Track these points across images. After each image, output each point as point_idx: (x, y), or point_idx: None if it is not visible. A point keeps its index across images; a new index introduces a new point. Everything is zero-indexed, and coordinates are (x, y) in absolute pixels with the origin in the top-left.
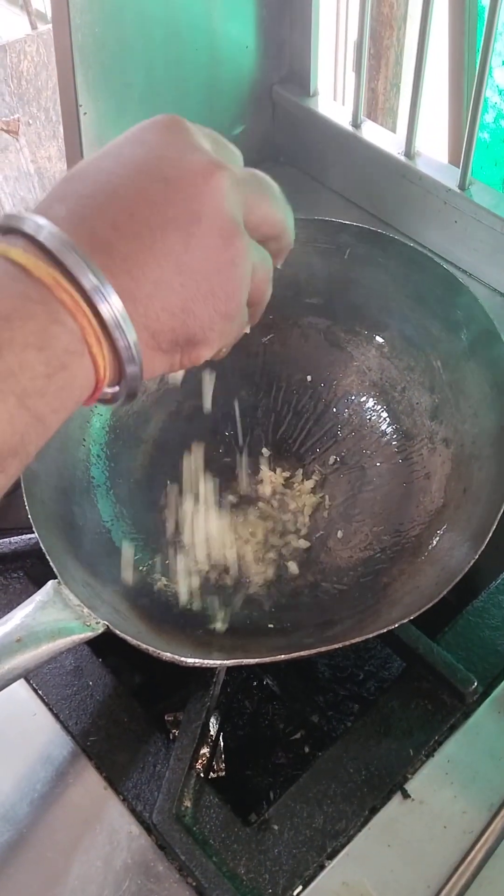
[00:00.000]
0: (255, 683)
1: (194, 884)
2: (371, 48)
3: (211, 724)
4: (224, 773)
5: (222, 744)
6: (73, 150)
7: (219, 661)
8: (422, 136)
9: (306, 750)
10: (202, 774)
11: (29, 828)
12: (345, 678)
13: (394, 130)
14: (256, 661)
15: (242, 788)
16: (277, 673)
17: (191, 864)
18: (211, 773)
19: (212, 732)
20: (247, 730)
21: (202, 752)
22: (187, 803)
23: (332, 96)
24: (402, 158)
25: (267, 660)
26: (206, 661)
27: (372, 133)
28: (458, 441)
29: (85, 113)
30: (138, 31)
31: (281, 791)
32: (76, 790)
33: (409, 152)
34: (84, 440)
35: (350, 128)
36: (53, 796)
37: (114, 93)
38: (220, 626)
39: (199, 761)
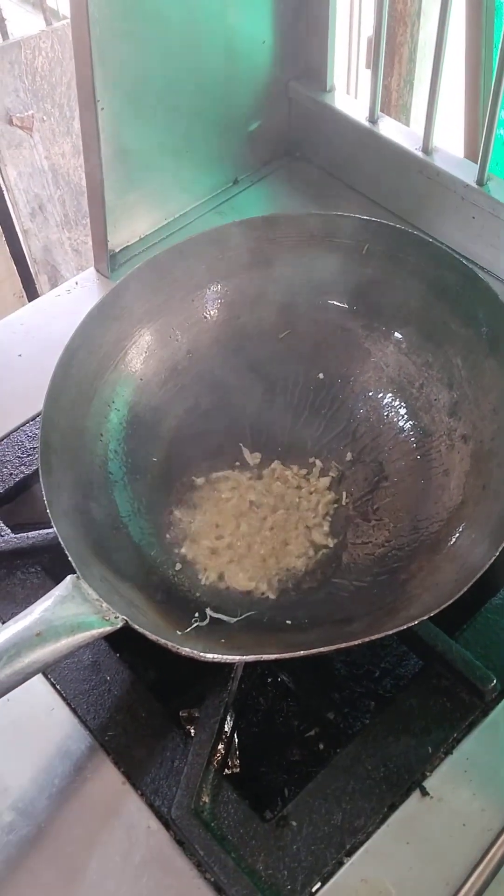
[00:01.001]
0: (269, 680)
1: (212, 879)
2: (385, 45)
3: (226, 722)
4: (239, 769)
5: (237, 741)
6: (91, 145)
7: (238, 657)
8: (437, 131)
9: (321, 747)
10: (221, 774)
11: (47, 822)
12: (361, 675)
13: (408, 127)
14: (275, 656)
15: (257, 785)
16: (293, 670)
17: (209, 860)
18: (226, 770)
19: (226, 729)
20: (261, 727)
21: (217, 748)
22: (205, 799)
23: (346, 92)
24: (420, 154)
25: (286, 655)
26: (224, 657)
27: (389, 129)
28: (477, 437)
29: (102, 108)
30: (156, 26)
31: (296, 788)
32: (94, 785)
33: (426, 148)
34: (102, 435)
35: (367, 123)
36: (71, 791)
37: (131, 88)
38: (235, 621)
39: (215, 758)
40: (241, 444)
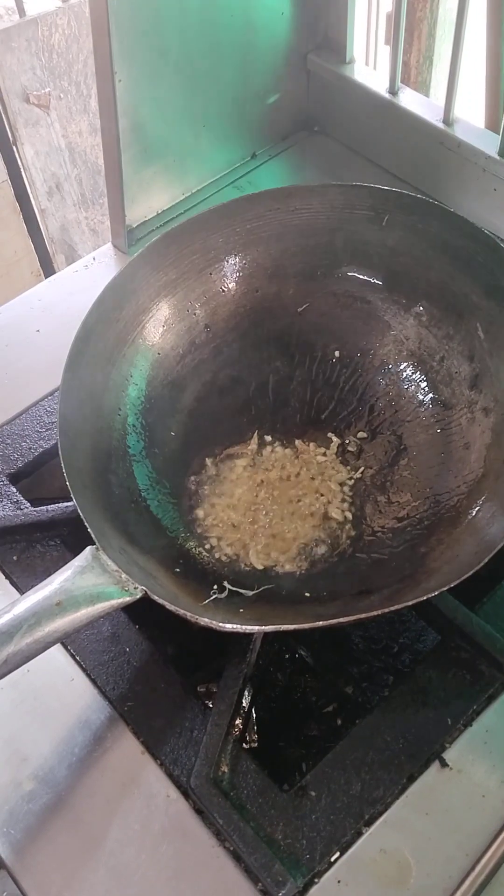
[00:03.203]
0: (287, 656)
1: (231, 848)
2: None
3: (244, 696)
4: (257, 744)
5: (255, 715)
6: (108, 117)
7: (256, 627)
8: (458, 102)
9: (338, 722)
10: (239, 744)
11: (68, 791)
12: (379, 650)
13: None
14: (294, 627)
15: (275, 760)
16: (311, 645)
17: (228, 829)
18: (244, 744)
19: (244, 704)
20: (279, 702)
21: (235, 722)
22: (224, 769)
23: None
24: (440, 125)
25: (305, 626)
26: (243, 627)
27: (409, 100)
28: (499, 410)
29: (120, 80)
30: None
31: (313, 763)
32: (114, 754)
33: (447, 119)
34: (120, 409)
35: (387, 95)
36: (92, 760)
37: (149, 59)
38: (254, 593)
39: (234, 730)
40: (259, 419)
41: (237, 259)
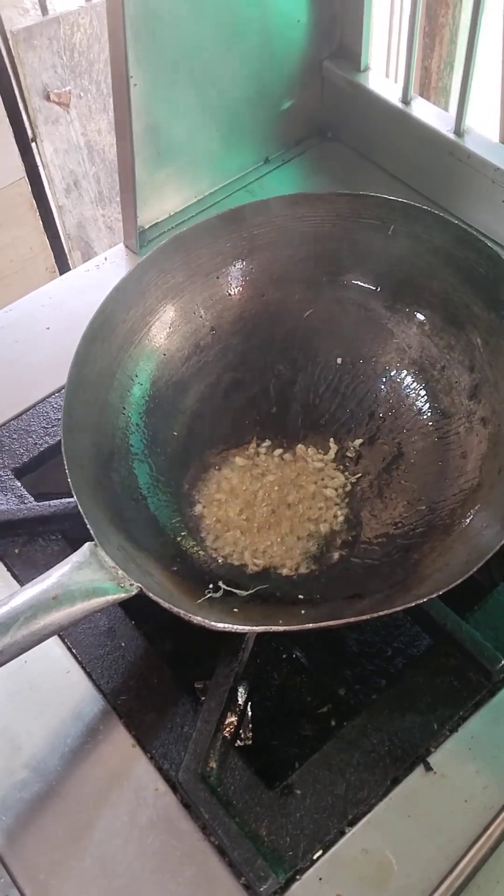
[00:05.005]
0: (284, 656)
1: (216, 842)
2: (426, 26)
3: (239, 693)
4: (251, 741)
5: (250, 713)
6: (123, 121)
7: (248, 627)
8: (476, 115)
9: (332, 723)
10: (229, 741)
11: (58, 780)
12: (373, 653)
13: (447, 110)
14: (284, 628)
15: (268, 758)
16: (306, 645)
17: (214, 823)
18: (238, 741)
19: (240, 701)
20: (274, 701)
21: (230, 719)
22: (212, 764)
23: (385, 74)
24: (451, 136)
25: (295, 628)
26: (235, 627)
27: (422, 110)
28: (496, 421)
29: (135, 84)
30: (191, 3)
31: (305, 762)
32: (105, 747)
33: (458, 130)
34: (124, 409)
35: (400, 104)
36: (83, 752)
37: (165, 64)
38: (248, 593)
39: (227, 729)
40: (260, 422)
41: (244, 264)
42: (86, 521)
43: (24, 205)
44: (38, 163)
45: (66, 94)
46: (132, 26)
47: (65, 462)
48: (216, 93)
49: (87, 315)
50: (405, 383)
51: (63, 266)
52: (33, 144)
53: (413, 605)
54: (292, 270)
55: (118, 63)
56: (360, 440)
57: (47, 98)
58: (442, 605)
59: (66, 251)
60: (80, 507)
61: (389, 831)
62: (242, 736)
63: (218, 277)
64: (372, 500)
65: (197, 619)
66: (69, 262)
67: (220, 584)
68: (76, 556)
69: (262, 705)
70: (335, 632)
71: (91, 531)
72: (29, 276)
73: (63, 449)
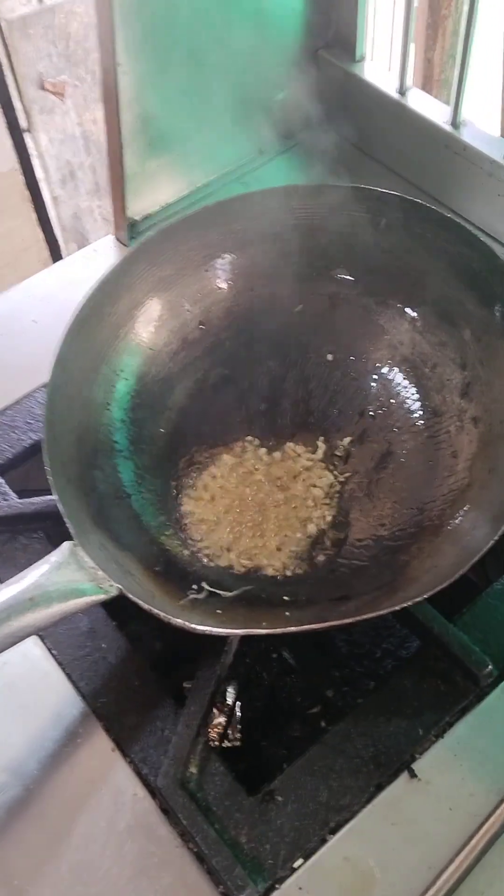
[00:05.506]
0: (274, 656)
1: (195, 849)
2: (428, 17)
3: (228, 694)
4: (239, 742)
5: (239, 714)
6: (111, 110)
7: (230, 630)
8: (477, 109)
9: (322, 724)
10: (217, 743)
11: (36, 784)
12: (362, 655)
13: (448, 103)
14: (267, 631)
15: (257, 758)
16: (295, 647)
17: (192, 830)
18: (226, 742)
19: (229, 701)
20: (264, 701)
21: (218, 720)
22: (193, 770)
23: (388, 66)
24: (447, 128)
25: (278, 631)
26: (217, 630)
27: (418, 101)
28: (488, 420)
29: (125, 72)
30: None
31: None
32: (84, 750)
33: (454, 121)
34: (108, 405)
35: (396, 95)
36: (62, 755)
37: (156, 52)
38: (233, 594)
39: (215, 729)
40: (249, 420)
41: (233, 257)
42: (65, 518)
43: (17, 195)
44: (33, 153)
45: (61, 83)
46: (121, 11)
47: (45, 459)
48: (209, 82)
49: (74, 308)
50: (397, 381)
51: (57, 258)
52: (27, 134)
53: (399, 608)
54: (283, 264)
55: (106, 49)
56: (350, 438)
57: (42, 87)
58: (429, 607)
59: (62, 243)
60: (59, 504)
61: (372, 839)
62: (231, 736)
63: (207, 271)
64: (361, 500)
65: (178, 622)
66: (63, 253)
67: (204, 584)
68: (55, 556)
69: (251, 706)
70: (323, 633)
71: (71, 530)
72: (22, 267)
73: (44, 445)
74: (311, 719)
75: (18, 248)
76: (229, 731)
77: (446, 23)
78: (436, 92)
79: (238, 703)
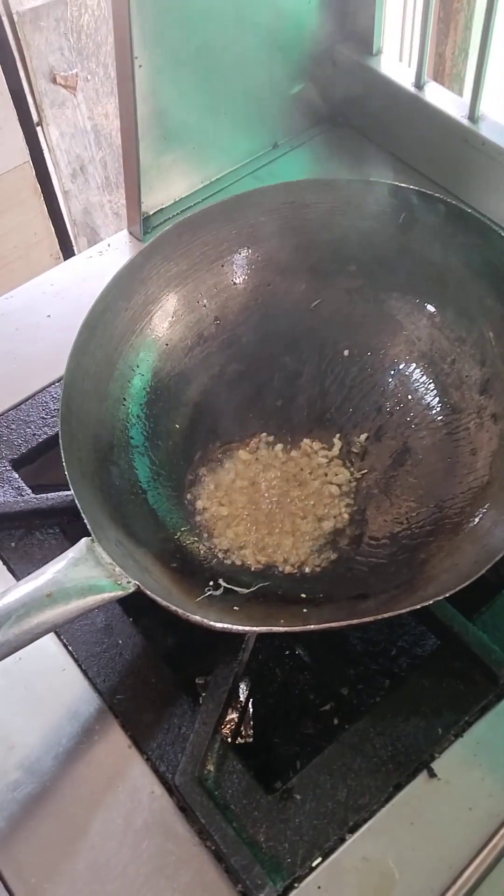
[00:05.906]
0: (286, 653)
1: (213, 848)
2: (440, 12)
3: (241, 690)
4: (252, 739)
5: (251, 710)
6: (127, 104)
7: (248, 627)
8: (494, 103)
9: (335, 722)
10: (229, 739)
11: (53, 781)
12: (377, 653)
13: (461, 97)
14: (285, 629)
15: (269, 755)
16: (309, 644)
17: (210, 828)
18: (238, 739)
19: (241, 698)
20: (276, 698)
21: (230, 717)
22: (210, 767)
23: (399, 59)
24: (465, 122)
25: (296, 629)
26: (234, 627)
27: (435, 95)
28: None
29: (140, 66)
30: None
31: (307, 761)
32: (101, 747)
33: (472, 115)
34: (125, 400)
35: (413, 89)
36: (78, 752)
37: (171, 46)
38: (249, 591)
39: (227, 726)
40: (264, 416)
41: (249, 252)
42: (83, 515)
43: (28, 189)
44: (44, 147)
45: (72, 76)
46: (137, 5)
47: (62, 454)
48: (224, 75)
49: (88, 303)
50: (414, 377)
51: (68, 252)
52: (38, 128)
53: (419, 606)
54: (299, 259)
55: (122, 44)
56: (366, 435)
57: (54, 81)
58: (448, 605)
59: (72, 237)
60: (77, 500)
61: (391, 839)
62: (243, 733)
63: (223, 266)
64: (378, 497)
65: (195, 618)
66: (74, 248)
67: (221, 581)
68: (72, 552)
69: (263, 702)
70: (339, 631)
71: (88, 526)
72: (33, 262)
73: (60, 441)
74: (324, 717)
75: (30, 242)
76: (242, 728)
77: (458, 17)
78: (447, 86)
79: (251, 700)
